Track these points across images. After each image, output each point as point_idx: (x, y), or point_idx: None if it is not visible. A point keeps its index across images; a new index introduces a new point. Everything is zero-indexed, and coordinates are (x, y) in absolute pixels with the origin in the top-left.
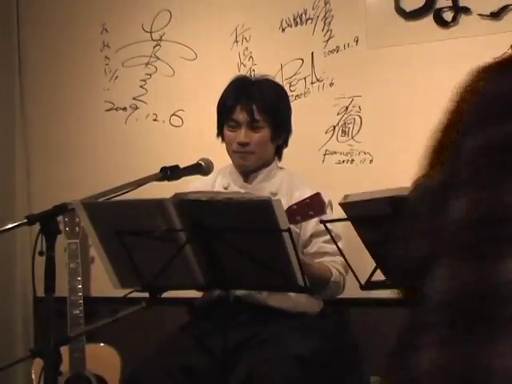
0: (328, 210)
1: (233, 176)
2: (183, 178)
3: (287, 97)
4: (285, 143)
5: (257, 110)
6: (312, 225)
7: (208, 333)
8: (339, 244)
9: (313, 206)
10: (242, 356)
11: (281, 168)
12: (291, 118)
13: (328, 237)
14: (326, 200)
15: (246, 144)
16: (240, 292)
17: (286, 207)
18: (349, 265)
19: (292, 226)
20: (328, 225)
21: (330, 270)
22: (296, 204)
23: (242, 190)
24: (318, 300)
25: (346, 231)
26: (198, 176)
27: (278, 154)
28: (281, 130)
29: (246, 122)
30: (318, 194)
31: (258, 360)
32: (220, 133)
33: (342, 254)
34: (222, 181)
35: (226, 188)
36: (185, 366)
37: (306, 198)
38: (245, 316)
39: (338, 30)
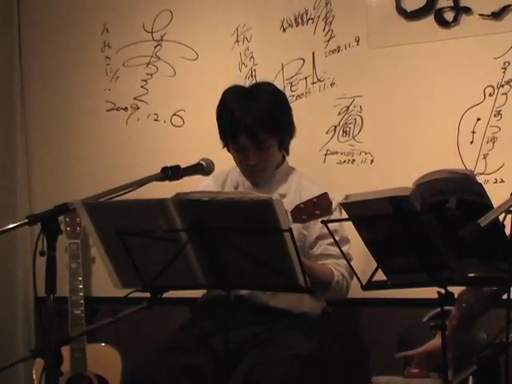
0: (336, 211)
1: (243, 176)
2: (193, 177)
3: (287, 101)
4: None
5: (261, 131)
6: (318, 226)
7: (209, 332)
8: (347, 247)
9: (320, 205)
10: (243, 355)
11: (292, 168)
12: (293, 118)
13: None
14: (334, 201)
15: (256, 165)
16: (242, 291)
17: (293, 207)
18: (350, 265)
19: (300, 228)
20: (337, 227)
21: (333, 273)
22: (303, 203)
23: (253, 191)
24: (320, 300)
25: (347, 231)
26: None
27: (285, 150)
28: (286, 137)
29: (253, 146)
30: (325, 194)
31: (259, 360)
32: (223, 145)
33: (344, 257)
34: (232, 180)
35: (235, 188)
36: (186, 364)
37: (313, 198)
38: (246, 315)
39: (339, 30)
